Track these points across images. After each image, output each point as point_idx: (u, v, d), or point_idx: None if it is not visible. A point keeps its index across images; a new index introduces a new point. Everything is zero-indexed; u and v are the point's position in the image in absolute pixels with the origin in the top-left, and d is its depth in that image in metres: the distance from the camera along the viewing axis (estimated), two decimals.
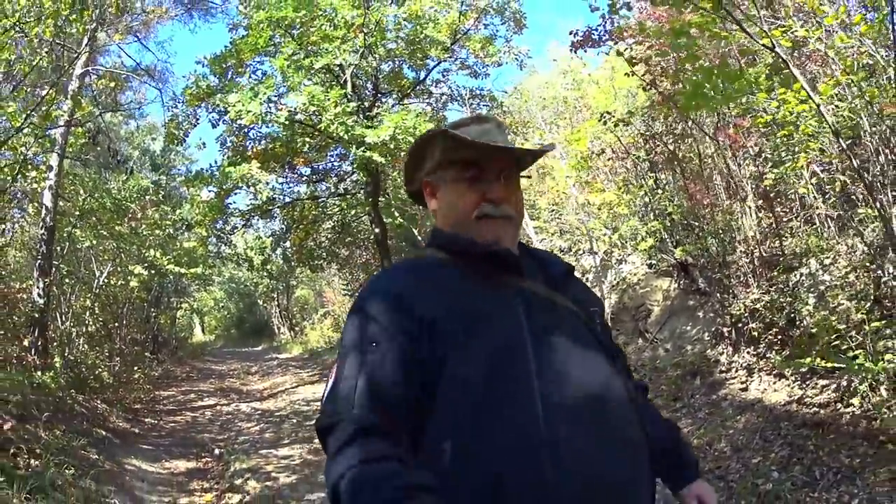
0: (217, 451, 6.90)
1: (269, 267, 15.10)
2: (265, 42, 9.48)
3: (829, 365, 4.71)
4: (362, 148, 8.56)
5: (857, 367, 4.36)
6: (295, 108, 9.05)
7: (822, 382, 4.97)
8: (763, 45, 4.48)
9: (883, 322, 4.56)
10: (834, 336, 4.90)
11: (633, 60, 5.45)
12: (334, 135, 8.66)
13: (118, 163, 12.75)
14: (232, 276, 26.07)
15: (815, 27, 4.84)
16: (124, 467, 5.78)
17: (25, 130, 6.03)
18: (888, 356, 4.27)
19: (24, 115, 6.04)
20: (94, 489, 4.56)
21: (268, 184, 10.32)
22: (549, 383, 1.13)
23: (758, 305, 6.13)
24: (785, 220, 6.44)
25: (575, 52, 5.76)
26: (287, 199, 12.79)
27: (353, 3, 9.04)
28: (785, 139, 5.57)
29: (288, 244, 14.30)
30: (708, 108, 5.04)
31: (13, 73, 6.90)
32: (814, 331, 5.25)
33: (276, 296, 25.72)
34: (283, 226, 13.98)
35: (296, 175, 12.94)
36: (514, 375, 1.13)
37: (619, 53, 5.16)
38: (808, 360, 4.80)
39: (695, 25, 4.69)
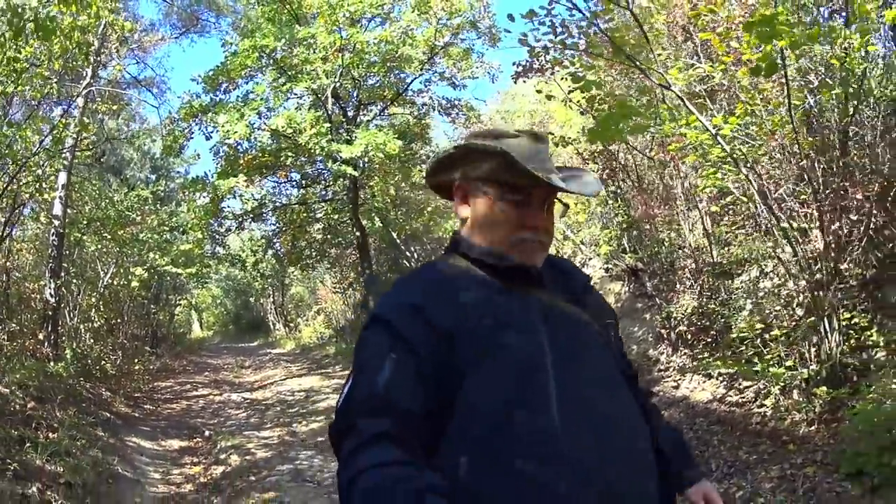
0: (207, 433, 7.63)
1: (260, 267, 15.71)
2: (253, 61, 10.24)
3: (735, 369, 5.03)
4: (338, 163, 9.41)
5: (754, 372, 4.70)
6: (277, 128, 9.87)
7: (746, 384, 5.25)
8: (660, 84, 5.26)
9: (784, 330, 4.92)
10: (745, 341, 5.20)
11: (570, 91, 6.20)
12: (312, 150, 9.53)
13: (122, 180, 13.56)
14: (228, 273, 26.19)
15: (720, 64, 5.62)
16: (126, 443, 6.63)
17: (41, 154, 6.85)
18: (789, 362, 4.60)
19: (37, 140, 6.88)
20: (101, 457, 5.47)
21: (252, 196, 11.15)
22: (567, 397, 1.12)
23: (688, 310, 6.47)
24: (733, 228, 6.61)
25: (515, 82, 6.57)
26: (278, 204, 13.50)
27: (330, 29, 9.75)
28: (701, 160, 6.23)
29: (279, 245, 14.90)
30: (617, 139, 5.81)
31: (26, 100, 7.70)
32: (733, 336, 5.53)
33: (271, 293, 25.95)
34: (275, 227, 14.56)
35: (287, 180, 13.61)
36: (532, 389, 1.12)
37: (538, 91, 5.96)
38: (719, 363, 5.20)
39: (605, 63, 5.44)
